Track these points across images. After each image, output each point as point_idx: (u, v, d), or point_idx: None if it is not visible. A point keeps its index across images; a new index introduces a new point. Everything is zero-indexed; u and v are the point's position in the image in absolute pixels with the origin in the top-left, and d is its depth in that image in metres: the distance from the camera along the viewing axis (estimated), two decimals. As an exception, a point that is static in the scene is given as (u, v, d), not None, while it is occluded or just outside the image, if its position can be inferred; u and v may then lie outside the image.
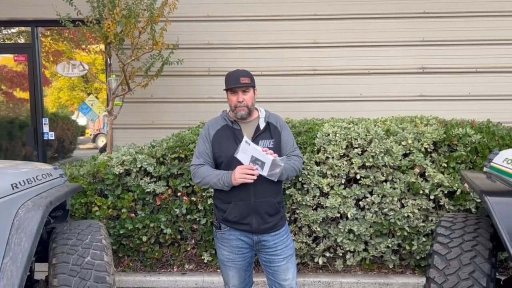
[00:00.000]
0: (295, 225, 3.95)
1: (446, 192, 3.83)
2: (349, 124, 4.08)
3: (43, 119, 5.84)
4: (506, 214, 2.21)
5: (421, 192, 3.80)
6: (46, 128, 5.84)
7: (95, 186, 4.07)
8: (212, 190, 3.82)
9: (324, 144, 3.86)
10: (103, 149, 7.20)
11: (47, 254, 2.62)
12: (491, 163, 2.81)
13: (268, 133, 2.60)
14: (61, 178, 3.04)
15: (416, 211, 3.82)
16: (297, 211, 3.91)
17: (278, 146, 2.60)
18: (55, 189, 2.78)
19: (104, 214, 4.03)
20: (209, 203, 3.93)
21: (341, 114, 4.66)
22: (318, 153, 3.88)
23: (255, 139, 2.55)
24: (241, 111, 2.54)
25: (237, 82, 2.52)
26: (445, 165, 3.85)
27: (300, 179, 3.88)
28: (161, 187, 3.99)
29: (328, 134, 3.91)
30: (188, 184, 3.98)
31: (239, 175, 2.43)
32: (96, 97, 6.28)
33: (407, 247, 3.91)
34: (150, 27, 4.58)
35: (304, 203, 3.87)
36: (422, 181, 3.82)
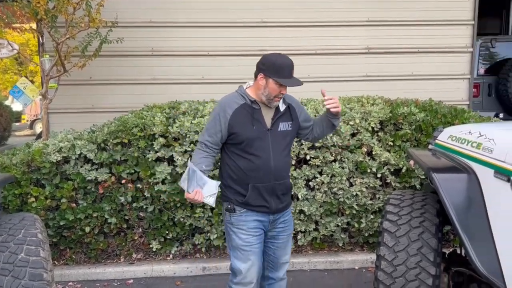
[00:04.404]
0: (246, 208, 3.88)
1: (392, 170, 3.91)
2: (298, 104, 4.03)
3: (-31, 104, 5.33)
4: (452, 189, 2.26)
5: (368, 170, 3.87)
6: (-28, 114, 5.34)
7: (30, 175, 3.76)
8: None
9: (273, 125, 3.80)
10: (40, 136, 6.73)
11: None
12: (436, 141, 2.88)
13: (289, 115, 2.55)
14: (-12, 168, 2.75)
15: (364, 189, 3.88)
16: (248, 194, 3.84)
17: (296, 128, 2.59)
18: (-19, 180, 2.52)
19: (42, 205, 3.75)
20: (156, 189, 3.76)
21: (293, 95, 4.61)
22: (267, 135, 3.81)
23: (275, 121, 2.49)
24: (277, 102, 2.47)
25: (292, 76, 2.43)
26: (391, 143, 3.93)
27: (250, 162, 3.80)
28: (104, 174, 3.76)
29: (278, 115, 3.85)
30: (132, 171, 3.79)
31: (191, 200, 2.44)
32: (31, 80, 5.82)
33: (356, 225, 3.98)
34: (86, 3, 4.24)
35: (254, 185, 3.80)
36: (369, 159, 3.88)
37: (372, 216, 3.96)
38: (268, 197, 2.48)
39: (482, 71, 7.12)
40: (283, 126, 2.51)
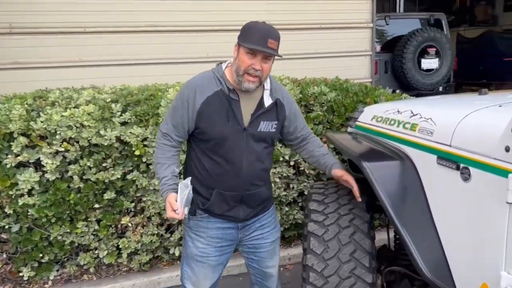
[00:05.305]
0: (142, 215, 3.23)
1: (306, 156, 3.56)
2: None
3: None
4: (385, 178, 1.91)
5: (281, 159, 3.47)
6: None
7: None
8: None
9: (169, 113, 3.18)
10: None
11: None
12: (357, 122, 2.53)
13: (274, 113, 2.01)
14: None
15: (278, 180, 3.48)
16: (144, 199, 3.19)
17: (280, 128, 2.08)
18: None
19: None
20: (20, 203, 2.92)
21: (188, 78, 4.01)
22: (163, 125, 3.19)
23: (256, 119, 1.96)
24: (249, 83, 1.88)
25: (264, 44, 1.83)
26: (303, 127, 3.57)
27: (143, 160, 3.14)
28: None
29: (174, 101, 3.24)
30: (-14, 181, 2.90)
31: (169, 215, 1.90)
32: None
33: (270, 220, 3.57)
34: None
35: (151, 187, 3.17)
36: (281, 147, 3.47)
37: (287, 209, 3.58)
38: (236, 207, 2.04)
39: (378, 48, 7.18)
40: (265, 126, 1.99)
